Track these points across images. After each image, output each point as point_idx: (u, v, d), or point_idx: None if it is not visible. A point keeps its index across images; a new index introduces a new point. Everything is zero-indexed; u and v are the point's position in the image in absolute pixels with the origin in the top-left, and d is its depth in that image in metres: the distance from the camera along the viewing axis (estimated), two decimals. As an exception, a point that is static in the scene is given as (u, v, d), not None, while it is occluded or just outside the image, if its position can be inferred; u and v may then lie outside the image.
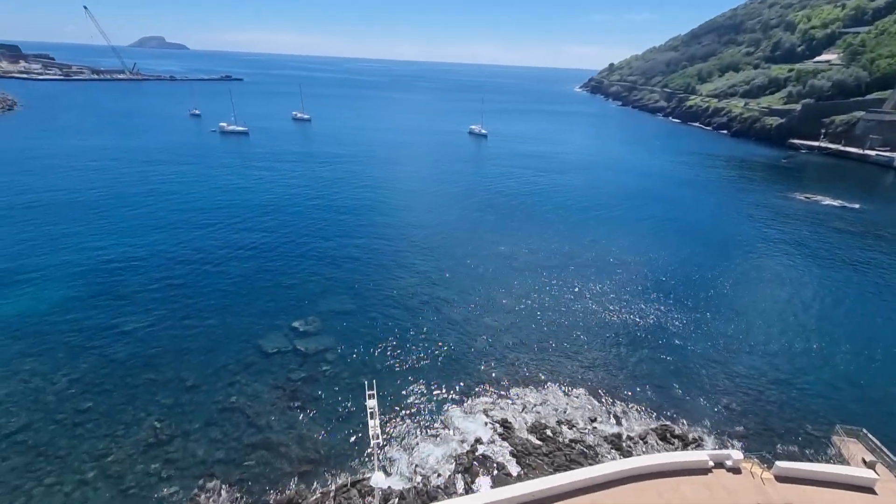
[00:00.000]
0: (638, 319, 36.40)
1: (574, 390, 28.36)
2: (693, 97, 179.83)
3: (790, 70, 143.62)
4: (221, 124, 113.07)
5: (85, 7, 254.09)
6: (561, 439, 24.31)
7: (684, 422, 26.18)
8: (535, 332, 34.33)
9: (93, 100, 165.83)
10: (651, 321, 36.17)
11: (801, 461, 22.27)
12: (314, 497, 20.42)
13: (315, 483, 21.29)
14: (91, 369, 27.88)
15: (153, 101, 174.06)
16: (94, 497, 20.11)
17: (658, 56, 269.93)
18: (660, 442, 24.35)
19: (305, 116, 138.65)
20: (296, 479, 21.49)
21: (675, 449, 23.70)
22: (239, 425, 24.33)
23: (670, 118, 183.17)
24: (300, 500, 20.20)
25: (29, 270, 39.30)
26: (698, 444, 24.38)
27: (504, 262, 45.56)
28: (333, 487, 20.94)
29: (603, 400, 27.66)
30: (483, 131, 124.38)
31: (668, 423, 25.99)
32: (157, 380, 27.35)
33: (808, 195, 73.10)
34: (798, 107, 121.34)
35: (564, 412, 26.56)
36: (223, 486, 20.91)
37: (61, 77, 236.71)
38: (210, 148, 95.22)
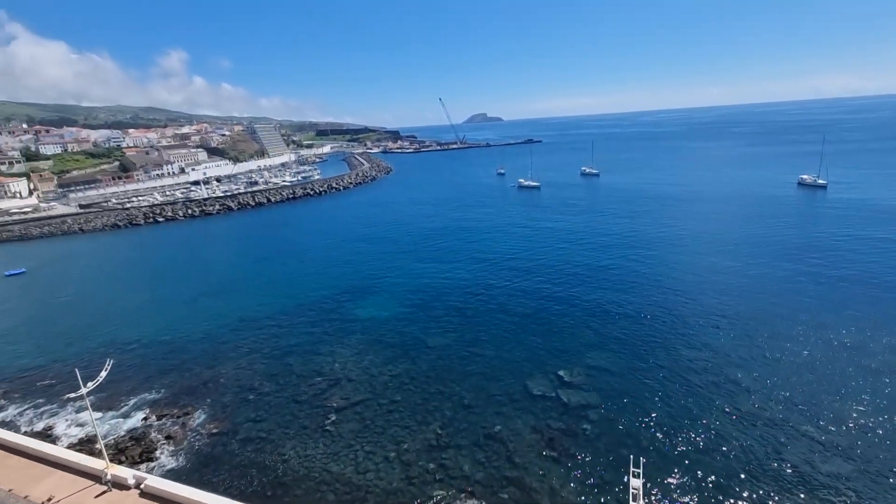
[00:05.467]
0: None
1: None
2: None
3: None
4: (520, 180, 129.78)
5: (440, 98, 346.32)
6: None
7: None
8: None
9: (433, 164, 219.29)
10: None
11: None
12: (558, 560, 19.54)
13: (561, 545, 20.40)
14: (404, 370, 35.78)
15: (472, 162, 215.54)
16: (390, 473, 25.31)
17: None
18: None
19: (594, 171, 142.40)
20: (543, 531, 21.16)
21: None
22: (499, 455, 26.06)
23: None
24: (544, 556, 19.69)
25: (377, 288, 54.44)
26: None
27: (844, 355, 33.30)
28: (579, 559, 19.52)
29: None
30: (820, 181, 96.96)
31: None
32: (444, 392, 32.59)
33: None
34: None
35: None
36: (479, 508, 22.65)
37: (418, 150, 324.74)
38: (508, 200, 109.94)
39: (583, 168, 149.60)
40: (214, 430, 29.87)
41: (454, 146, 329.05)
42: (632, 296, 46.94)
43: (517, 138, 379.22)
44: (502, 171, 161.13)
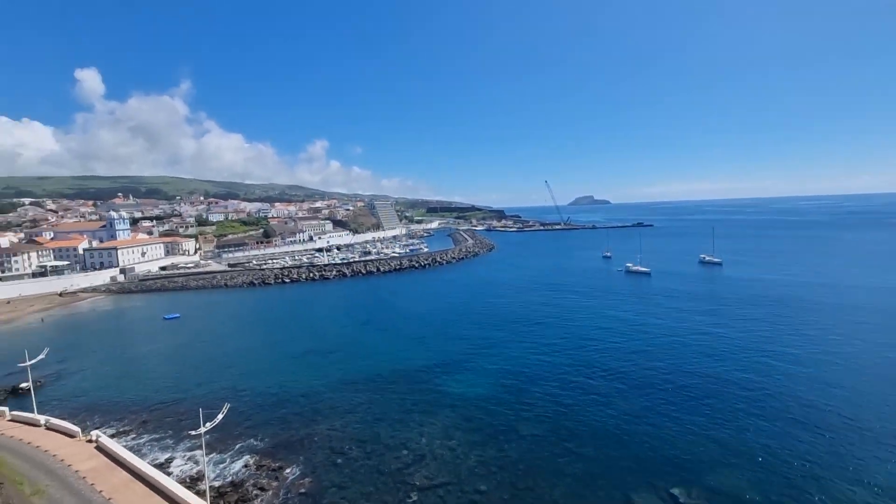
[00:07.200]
0: None
1: None
2: None
3: None
4: (627, 264, 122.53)
5: (546, 181, 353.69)
6: None
7: None
8: None
9: (536, 244, 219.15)
10: None
11: None
12: None
13: None
14: (492, 457, 33.52)
15: (576, 244, 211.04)
16: (469, 575, 22.89)
17: None
18: None
19: (716, 260, 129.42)
20: None
21: None
22: (595, 582, 22.22)
23: None
24: None
25: (471, 364, 53.42)
26: None
27: None
28: None
29: None
30: None
31: None
32: (534, 490, 29.54)
33: None
34: None
35: None
36: None
37: (521, 229, 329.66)
38: (614, 285, 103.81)
39: (702, 255, 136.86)
40: (302, 490, 30.40)
41: (558, 227, 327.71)
42: (768, 411, 39.48)
43: (625, 221, 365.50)
44: (608, 254, 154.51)
